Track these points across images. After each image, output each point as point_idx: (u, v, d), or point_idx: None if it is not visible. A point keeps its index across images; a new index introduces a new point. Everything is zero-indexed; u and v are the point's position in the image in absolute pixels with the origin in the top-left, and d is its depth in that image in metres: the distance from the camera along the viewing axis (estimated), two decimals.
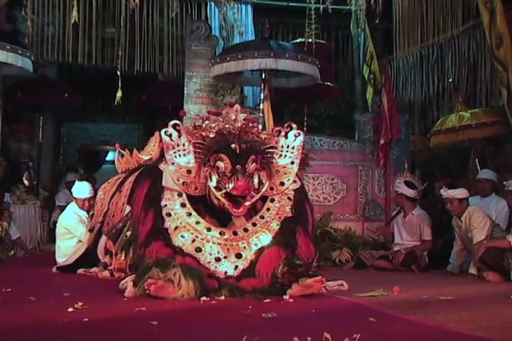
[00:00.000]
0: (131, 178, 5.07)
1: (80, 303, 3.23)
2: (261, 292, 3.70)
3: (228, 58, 7.07)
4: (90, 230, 5.59)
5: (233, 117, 3.96)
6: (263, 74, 7.36)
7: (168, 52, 8.74)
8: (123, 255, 4.54)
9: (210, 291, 3.64)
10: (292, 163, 4.23)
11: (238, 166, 3.85)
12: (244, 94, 8.62)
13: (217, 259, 3.87)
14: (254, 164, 3.92)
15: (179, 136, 4.01)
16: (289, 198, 4.21)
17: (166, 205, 4.01)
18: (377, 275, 5.97)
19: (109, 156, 14.32)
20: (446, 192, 5.86)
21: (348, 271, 6.38)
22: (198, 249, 3.87)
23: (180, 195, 4.05)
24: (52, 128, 11.17)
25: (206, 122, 4.00)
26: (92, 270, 5.27)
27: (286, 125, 4.27)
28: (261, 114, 7.26)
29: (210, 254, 3.87)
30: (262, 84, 7.36)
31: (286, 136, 4.23)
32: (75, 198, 6.01)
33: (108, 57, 8.70)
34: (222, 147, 3.93)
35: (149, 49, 8.62)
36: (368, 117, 8.28)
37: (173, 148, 4.01)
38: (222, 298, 3.63)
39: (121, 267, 4.59)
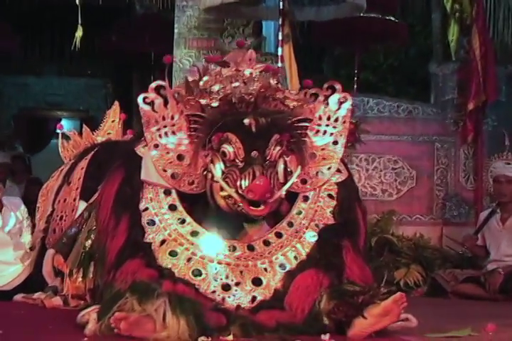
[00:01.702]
0: (84, 163, 5.07)
1: None
2: (289, 329, 3.67)
3: None
4: (31, 248, 5.62)
5: (247, 72, 3.89)
6: (281, 3, 7.31)
7: None
8: (80, 275, 4.56)
9: (213, 330, 3.64)
10: (335, 142, 4.17)
11: (254, 152, 3.76)
12: (262, 35, 8.59)
13: (226, 287, 3.81)
14: (278, 147, 3.83)
15: (165, 105, 3.94)
16: (330, 196, 4.14)
17: (146, 209, 3.94)
18: (462, 305, 5.99)
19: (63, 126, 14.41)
20: None
21: (419, 299, 6.40)
22: (197, 272, 3.81)
23: (168, 192, 3.99)
24: None
25: (205, 79, 3.96)
26: (36, 296, 5.32)
27: (326, 85, 4.22)
28: (280, 64, 7.17)
29: (215, 280, 3.81)
30: (281, 19, 7.30)
31: (326, 102, 4.21)
32: None
33: None
34: (230, 122, 3.84)
35: None
36: (450, 69, 8.28)
37: (157, 122, 3.93)
38: (231, 338, 3.63)
39: (79, 293, 4.61)
